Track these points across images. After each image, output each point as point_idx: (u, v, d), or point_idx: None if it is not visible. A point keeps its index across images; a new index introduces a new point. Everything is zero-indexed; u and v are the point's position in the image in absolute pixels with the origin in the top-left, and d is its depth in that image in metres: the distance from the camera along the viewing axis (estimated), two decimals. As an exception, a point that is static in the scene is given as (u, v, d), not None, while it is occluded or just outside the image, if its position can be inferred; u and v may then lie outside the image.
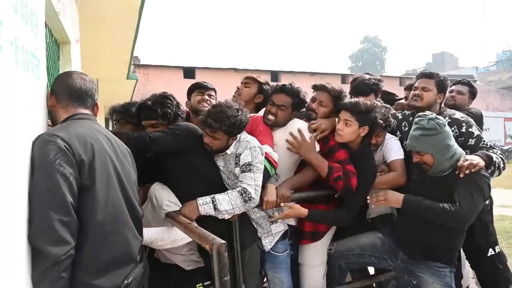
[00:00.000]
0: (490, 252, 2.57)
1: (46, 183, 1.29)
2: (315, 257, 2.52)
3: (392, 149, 2.55)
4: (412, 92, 2.58)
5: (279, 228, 2.34)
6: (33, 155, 1.32)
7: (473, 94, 3.24)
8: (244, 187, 2.09)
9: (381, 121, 2.41)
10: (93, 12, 3.54)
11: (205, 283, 2.19)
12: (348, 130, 2.33)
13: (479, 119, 2.97)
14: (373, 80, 2.82)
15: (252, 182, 2.10)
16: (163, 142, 2.08)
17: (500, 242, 3.14)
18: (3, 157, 1.09)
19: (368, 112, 2.32)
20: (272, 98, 2.47)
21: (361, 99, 2.38)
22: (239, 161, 2.15)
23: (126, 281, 1.51)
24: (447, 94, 2.99)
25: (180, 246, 2.13)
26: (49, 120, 1.66)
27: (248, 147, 2.16)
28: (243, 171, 2.13)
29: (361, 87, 2.76)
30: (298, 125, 2.43)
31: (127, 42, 4.76)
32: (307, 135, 2.37)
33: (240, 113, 2.13)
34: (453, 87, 3.21)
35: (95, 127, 1.59)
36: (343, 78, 18.98)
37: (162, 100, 2.20)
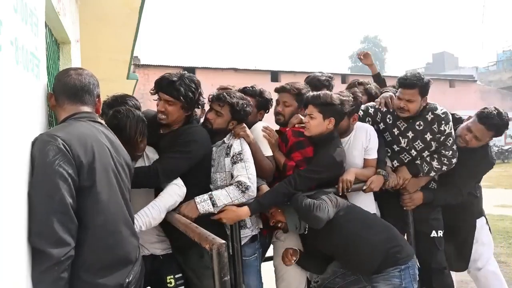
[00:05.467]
0: (433, 234, 2.70)
1: (46, 184, 1.29)
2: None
3: (376, 147, 2.58)
4: (397, 102, 2.56)
5: (247, 233, 2.32)
6: (32, 155, 1.32)
7: (494, 131, 2.61)
8: (238, 180, 2.12)
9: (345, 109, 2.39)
10: (93, 12, 3.53)
11: (176, 276, 2.14)
12: (313, 122, 2.34)
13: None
14: (325, 77, 2.91)
15: (244, 172, 2.14)
16: (177, 172, 2.06)
17: (500, 242, 3.20)
18: (3, 157, 1.09)
19: (331, 103, 2.32)
20: None
21: (322, 92, 2.41)
22: (230, 151, 2.21)
23: (127, 280, 1.54)
24: (459, 131, 2.71)
25: (150, 231, 2.10)
26: None
27: (237, 138, 2.26)
28: (235, 162, 2.18)
29: (314, 82, 2.83)
30: (261, 125, 2.50)
31: (127, 42, 4.75)
32: (262, 137, 2.42)
33: (249, 104, 2.33)
34: (470, 124, 2.66)
35: (95, 126, 1.57)
36: (343, 78, 18.95)
37: (189, 81, 2.12)
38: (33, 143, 1.35)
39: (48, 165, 1.30)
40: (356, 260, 2.28)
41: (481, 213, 2.95)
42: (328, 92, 2.42)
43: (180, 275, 2.16)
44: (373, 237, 2.22)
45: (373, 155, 2.57)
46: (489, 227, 3.01)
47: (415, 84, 2.47)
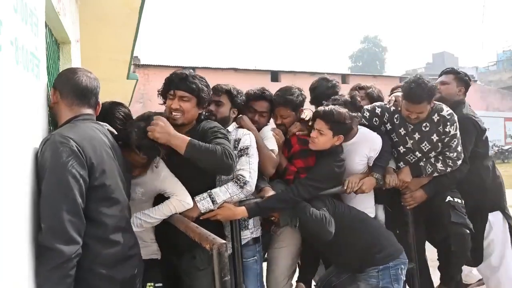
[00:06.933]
0: (449, 198, 2.64)
1: (59, 185, 1.34)
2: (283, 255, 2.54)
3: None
4: (405, 113, 2.53)
5: (246, 235, 2.31)
6: (44, 156, 1.35)
7: (462, 80, 2.91)
8: (238, 174, 2.12)
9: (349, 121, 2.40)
10: (93, 12, 3.53)
11: (156, 284, 2.10)
12: (322, 139, 2.33)
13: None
14: (331, 90, 2.75)
15: (247, 166, 2.14)
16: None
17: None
18: (4, 157, 1.09)
19: (343, 123, 2.31)
20: (252, 105, 2.52)
21: (335, 109, 2.33)
22: (238, 144, 2.22)
23: (135, 272, 1.62)
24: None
25: (145, 233, 2.10)
26: None
27: (247, 133, 2.27)
28: (240, 156, 2.18)
29: (322, 98, 2.64)
30: (269, 129, 2.54)
31: (127, 42, 4.75)
32: (271, 135, 2.48)
33: (241, 92, 2.42)
34: (438, 79, 2.95)
35: (99, 128, 1.63)
36: (343, 78, 18.96)
37: (199, 77, 2.09)
38: (44, 142, 1.38)
39: (62, 166, 1.34)
40: (341, 260, 2.44)
41: (494, 207, 2.84)
42: (341, 110, 2.33)
43: (160, 284, 2.12)
44: (356, 241, 2.31)
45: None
46: (509, 224, 2.88)
47: (422, 99, 2.40)
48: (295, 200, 2.25)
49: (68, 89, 1.58)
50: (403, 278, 2.34)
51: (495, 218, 2.83)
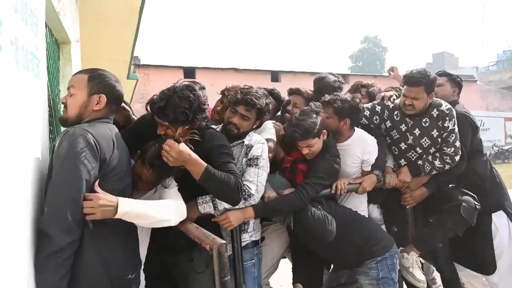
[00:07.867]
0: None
1: (69, 173, 1.36)
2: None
3: (375, 156, 2.56)
4: (402, 99, 2.56)
5: (244, 238, 2.26)
6: (61, 145, 1.39)
7: (455, 82, 2.96)
8: (244, 184, 2.06)
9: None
10: (93, 12, 3.54)
11: None
12: (315, 148, 2.37)
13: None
14: (338, 83, 2.83)
15: (255, 178, 2.10)
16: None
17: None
18: (3, 157, 1.09)
19: (318, 127, 2.32)
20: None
21: (305, 123, 2.29)
22: (249, 152, 2.16)
23: (134, 274, 1.62)
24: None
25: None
26: None
27: (261, 141, 2.21)
28: (249, 165, 2.13)
29: (327, 89, 2.70)
30: (271, 122, 2.56)
31: (127, 42, 4.76)
32: (271, 126, 2.50)
33: (269, 100, 2.30)
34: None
35: (113, 129, 1.67)
36: (343, 78, 18.95)
37: (179, 100, 1.84)
38: (64, 134, 1.43)
39: (75, 155, 1.37)
40: (338, 258, 2.47)
41: (496, 207, 2.74)
42: (308, 120, 2.30)
43: None
44: (353, 238, 2.35)
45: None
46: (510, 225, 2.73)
47: (420, 81, 2.46)
48: (303, 203, 2.23)
49: (113, 97, 1.66)
50: (398, 267, 2.44)
51: (499, 219, 2.73)
